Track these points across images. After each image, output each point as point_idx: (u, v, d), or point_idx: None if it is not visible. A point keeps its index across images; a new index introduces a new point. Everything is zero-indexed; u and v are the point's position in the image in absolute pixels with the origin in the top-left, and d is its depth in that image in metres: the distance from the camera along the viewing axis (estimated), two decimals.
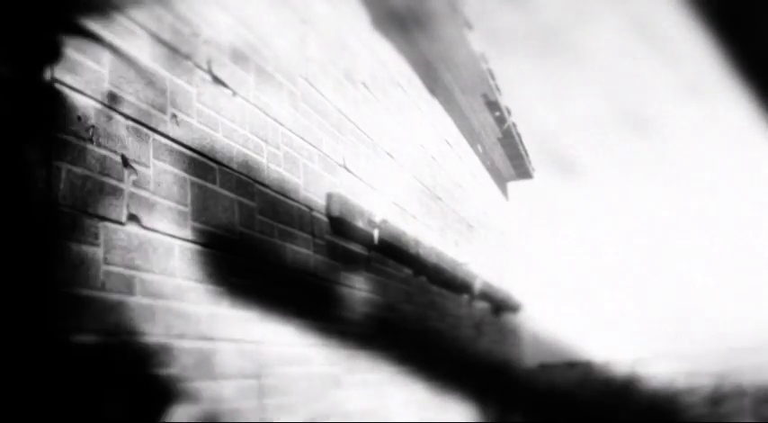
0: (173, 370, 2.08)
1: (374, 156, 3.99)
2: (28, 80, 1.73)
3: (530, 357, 8.45)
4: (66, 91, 1.82)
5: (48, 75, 1.77)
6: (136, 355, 1.95)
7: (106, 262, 1.88)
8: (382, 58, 4.38)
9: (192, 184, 2.29)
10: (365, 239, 3.62)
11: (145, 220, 2.05)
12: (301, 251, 2.96)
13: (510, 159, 8.15)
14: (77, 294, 1.77)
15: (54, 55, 1.80)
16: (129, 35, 2.08)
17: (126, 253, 1.96)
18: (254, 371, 2.51)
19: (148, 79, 2.15)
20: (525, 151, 8.08)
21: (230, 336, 2.39)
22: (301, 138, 3.09)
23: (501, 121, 7.05)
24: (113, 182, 1.95)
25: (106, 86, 1.97)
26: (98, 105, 1.93)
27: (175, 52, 2.29)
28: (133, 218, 2.00)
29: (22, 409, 1.59)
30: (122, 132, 2.01)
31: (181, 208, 2.22)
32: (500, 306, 6.98)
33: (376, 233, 3.72)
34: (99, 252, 1.86)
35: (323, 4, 3.53)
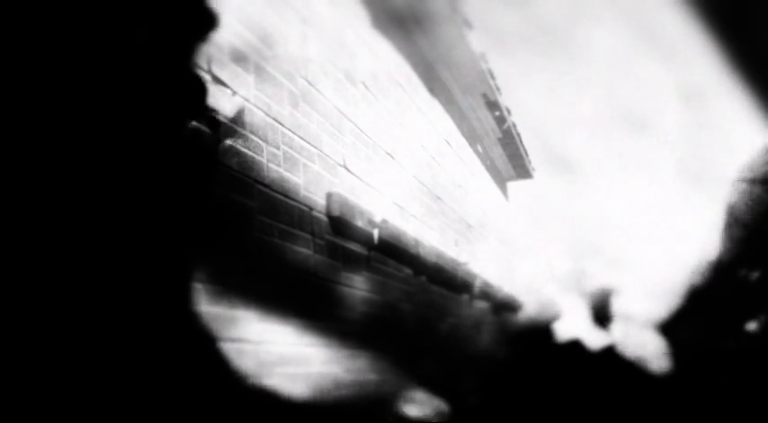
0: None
1: (374, 156, 3.99)
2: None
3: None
4: None
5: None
6: None
7: None
8: (382, 57, 4.38)
9: None
10: (365, 239, 3.62)
11: None
12: (301, 251, 2.96)
13: (510, 159, 8.15)
14: None
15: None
16: None
17: None
18: (254, 371, 2.50)
19: None
20: (525, 151, 8.09)
21: (230, 336, 2.39)
22: (301, 138, 3.09)
23: (501, 121, 7.05)
24: None
25: None
26: None
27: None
28: None
29: None
30: None
31: None
32: (500, 306, 6.98)
33: (376, 233, 3.72)
34: None
35: (323, 4, 3.53)
